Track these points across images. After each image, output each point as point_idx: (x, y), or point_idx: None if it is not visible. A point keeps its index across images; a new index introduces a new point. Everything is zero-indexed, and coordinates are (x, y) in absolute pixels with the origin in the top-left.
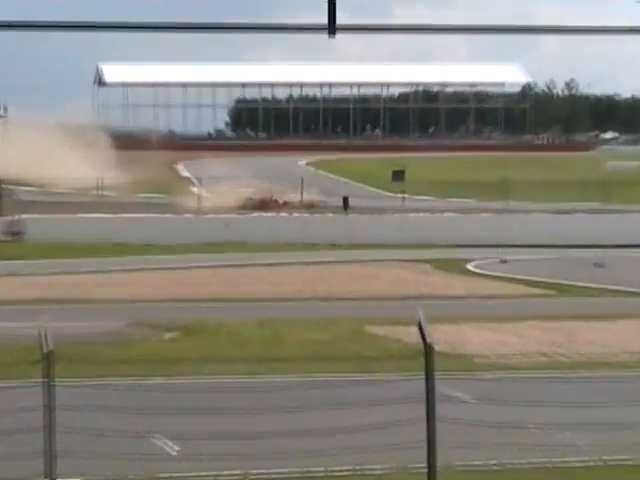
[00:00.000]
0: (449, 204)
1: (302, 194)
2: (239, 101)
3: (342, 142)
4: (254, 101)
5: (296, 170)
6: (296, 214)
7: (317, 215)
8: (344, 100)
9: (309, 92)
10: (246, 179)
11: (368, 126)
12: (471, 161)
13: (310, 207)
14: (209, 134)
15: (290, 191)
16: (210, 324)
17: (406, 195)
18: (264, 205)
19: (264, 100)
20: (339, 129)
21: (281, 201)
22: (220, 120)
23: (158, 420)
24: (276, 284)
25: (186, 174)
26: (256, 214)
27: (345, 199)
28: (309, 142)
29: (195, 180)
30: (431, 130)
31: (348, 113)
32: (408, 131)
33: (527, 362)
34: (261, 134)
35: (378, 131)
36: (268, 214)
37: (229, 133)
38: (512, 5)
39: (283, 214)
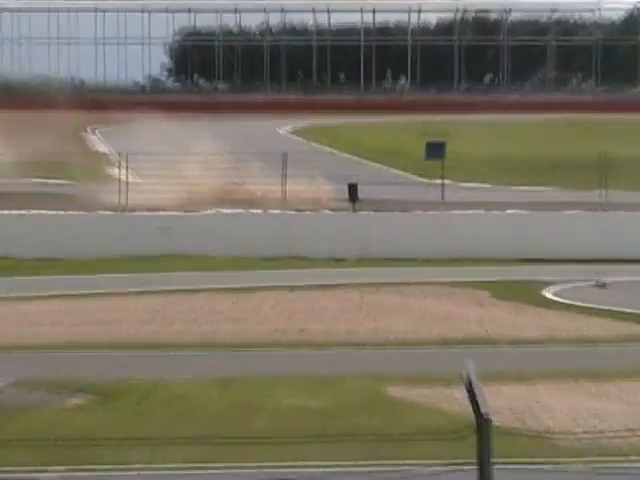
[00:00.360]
0: (514, 195)
1: (285, 181)
2: (186, 34)
3: (347, 98)
4: (209, 34)
5: (276, 141)
6: (275, 211)
7: (308, 213)
8: (350, 32)
9: (295, 19)
10: (201, 156)
11: (388, 73)
12: (549, 127)
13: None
14: (139, 85)
15: (270, 177)
16: (140, 384)
17: (448, 181)
18: (241, 199)
19: (226, 33)
20: (342, 78)
21: (259, 193)
22: (156, 63)
23: None
24: (243, 321)
25: (102, 147)
26: (212, 212)
27: (352, 188)
28: (295, 98)
29: (116, 156)
30: (487, 79)
31: (357, 53)
32: (451, 81)
33: (638, 443)
34: (220, 85)
35: (404, 81)
36: (230, 211)
37: (170, 83)
38: None
39: (255, 211)
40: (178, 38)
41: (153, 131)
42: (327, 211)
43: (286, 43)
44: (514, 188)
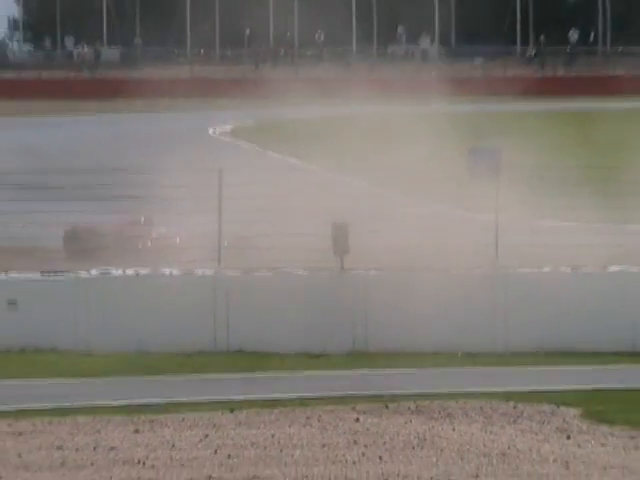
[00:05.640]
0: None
1: (221, 219)
2: None
3: (329, 73)
4: None
5: (205, 151)
6: (206, 271)
7: (262, 274)
8: None
9: None
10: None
11: (400, 28)
12: None
13: None
14: None
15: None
16: None
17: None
18: None
19: None
20: (320, 37)
21: (177, 239)
22: None
23: None
24: (151, 467)
25: None
26: (97, 272)
27: (339, 231)
28: (237, 74)
29: None
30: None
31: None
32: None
33: None
34: (106, 50)
35: (428, 41)
36: (125, 271)
37: (20, 48)
38: None
39: (168, 271)
40: None
41: None
42: (298, 271)
43: None
44: None
